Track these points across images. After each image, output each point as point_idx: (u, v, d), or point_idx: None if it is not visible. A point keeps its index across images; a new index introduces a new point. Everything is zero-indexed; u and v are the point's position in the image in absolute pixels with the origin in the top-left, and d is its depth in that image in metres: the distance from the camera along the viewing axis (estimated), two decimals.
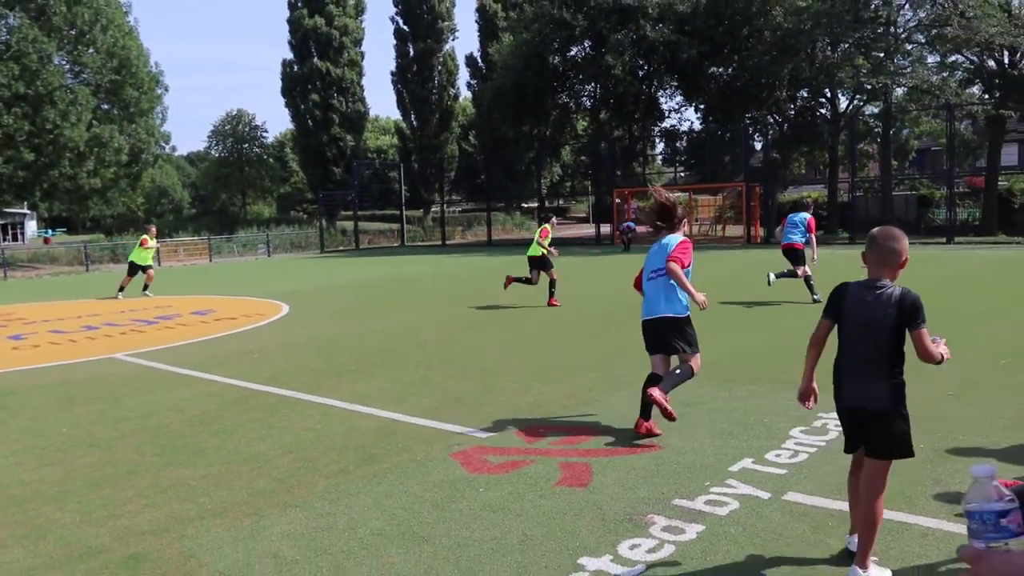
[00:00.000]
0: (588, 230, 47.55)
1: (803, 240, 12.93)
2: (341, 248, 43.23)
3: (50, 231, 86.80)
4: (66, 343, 11.90)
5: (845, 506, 4.44)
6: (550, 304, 13.67)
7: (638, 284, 6.19)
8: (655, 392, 5.59)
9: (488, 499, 4.76)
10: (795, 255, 12.85)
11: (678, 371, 5.85)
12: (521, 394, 7.29)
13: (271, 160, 76.22)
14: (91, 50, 38.19)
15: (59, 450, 6.15)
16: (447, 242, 43.90)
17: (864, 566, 3.56)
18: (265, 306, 15.86)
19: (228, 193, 75.76)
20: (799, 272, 12.76)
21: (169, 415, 7.09)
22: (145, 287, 19.49)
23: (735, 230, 36.23)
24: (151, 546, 4.29)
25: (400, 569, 3.91)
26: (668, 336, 5.90)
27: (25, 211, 78.25)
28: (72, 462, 5.82)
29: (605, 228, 38.76)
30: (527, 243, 40.20)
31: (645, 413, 5.89)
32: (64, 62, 37.84)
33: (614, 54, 37.27)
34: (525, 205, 63.17)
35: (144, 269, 19.75)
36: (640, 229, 31.25)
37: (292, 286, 20.38)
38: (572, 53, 41.60)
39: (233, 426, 6.61)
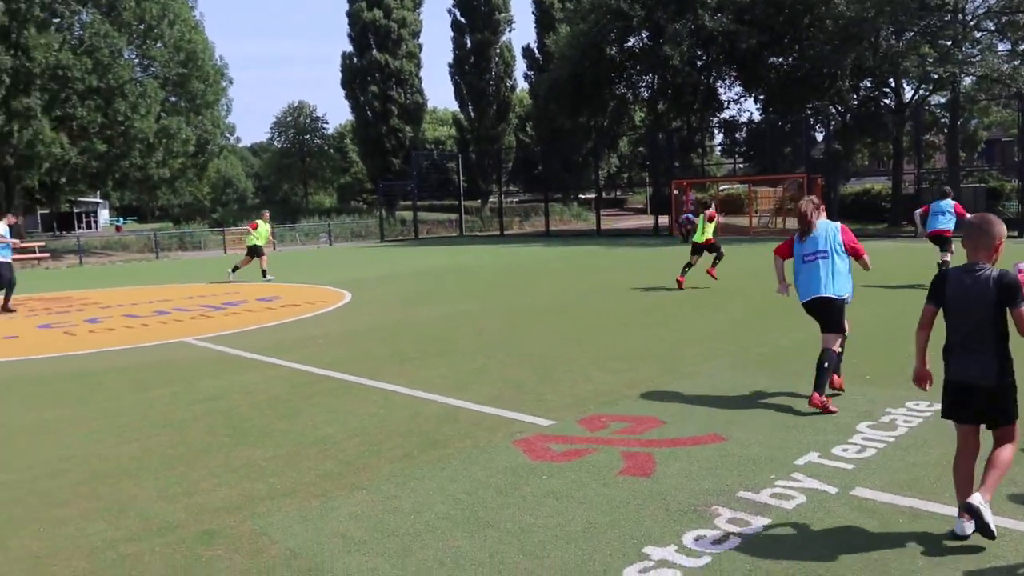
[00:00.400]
0: (645, 221, 47.17)
1: (952, 226, 13.34)
2: (400, 237, 43.66)
3: (121, 220, 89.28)
4: (139, 327, 12.27)
5: (915, 502, 4.34)
6: (709, 273, 14.79)
7: (782, 251, 6.70)
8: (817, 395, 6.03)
9: (551, 486, 4.76)
10: (943, 241, 13.33)
11: (825, 363, 6.19)
12: (581, 383, 7.27)
13: (331, 151, 77.25)
14: (159, 44, 39.11)
15: (136, 429, 6.35)
16: (505, 232, 43.98)
17: (986, 497, 3.79)
18: (328, 293, 16.10)
19: (290, 183, 77.07)
20: (943, 259, 13.25)
21: (238, 398, 7.26)
22: (263, 272, 19.63)
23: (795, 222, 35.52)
24: (224, 523, 4.40)
25: (465, 552, 3.95)
26: (831, 315, 6.28)
27: (98, 200, 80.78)
28: (148, 440, 6.01)
29: (663, 219, 38.40)
30: (585, 233, 40.01)
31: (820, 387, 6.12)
32: (134, 56, 38.86)
33: (672, 44, 36.80)
34: (582, 196, 62.92)
35: (257, 253, 19.84)
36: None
37: (353, 274, 20.65)
38: (629, 43, 41.20)
39: (300, 409, 6.73)
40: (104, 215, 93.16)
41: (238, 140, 56.25)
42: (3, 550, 4.17)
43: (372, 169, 59.38)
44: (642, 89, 43.89)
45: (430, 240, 41.41)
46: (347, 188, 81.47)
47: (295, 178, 75.99)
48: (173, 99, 41.10)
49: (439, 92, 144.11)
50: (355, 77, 57.17)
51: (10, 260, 15.35)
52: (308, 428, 6.16)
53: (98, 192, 62.01)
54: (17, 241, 15.66)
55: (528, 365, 8.17)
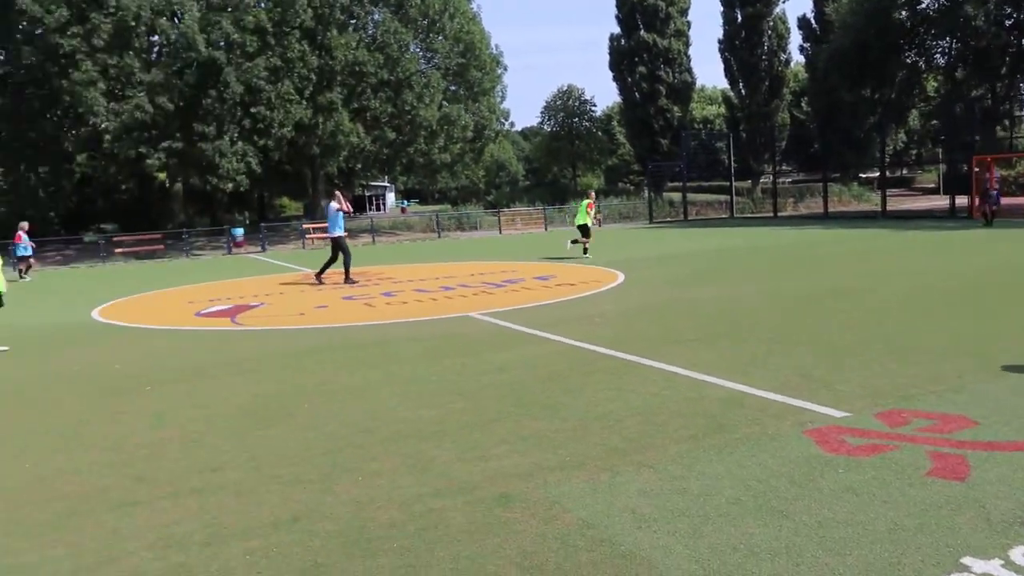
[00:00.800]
0: (938, 202, 42.90)
1: None
2: (668, 219, 43.27)
3: (405, 202, 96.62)
4: (428, 301, 13.22)
5: None
6: None
7: None
8: None
9: (849, 481, 4.49)
10: None
11: None
12: (876, 375, 6.77)
13: (599, 133, 78.10)
14: (440, 37, 41.68)
15: (433, 395, 6.85)
16: (778, 214, 42.10)
17: None
18: (601, 273, 16.35)
19: (559, 165, 79.03)
20: None
21: (523, 371, 7.57)
22: (584, 250, 20.45)
23: None
24: (518, 488, 4.61)
25: (759, 540, 3.83)
26: None
27: (386, 184, 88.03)
28: (444, 407, 6.45)
29: (960, 200, 34.69)
30: (868, 215, 37.18)
31: None
32: (418, 49, 41.77)
33: (975, 3, 33.00)
34: (863, 175, 58.53)
35: (585, 230, 20.61)
36: (1004, 201, 27.52)
37: (624, 254, 20.80)
38: (922, 5, 37.51)
39: (581, 385, 6.89)
40: (391, 198, 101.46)
41: (512, 125, 58.64)
42: (331, 493, 4.69)
43: (639, 150, 59.30)
44: (936, 56, 39.84)
45: (699, 222, 40.62)
46: (614, 170, 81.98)
47: (564, 160, 77.83)
48: (453, 88, 43.69)
49: (708, 70, 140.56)
50: (623, 58, 57.28)
51: (341, 234, 17.05)
52: (591, 403, 6.29)
53: (386, 176, 67.50)
54: (349, 210, 17.24)
55: (814, 352, 7.75)
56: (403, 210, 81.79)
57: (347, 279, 17.03)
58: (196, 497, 4.73)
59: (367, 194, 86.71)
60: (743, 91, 56.02)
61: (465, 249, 28.50)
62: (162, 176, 48.09)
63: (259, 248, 34.93)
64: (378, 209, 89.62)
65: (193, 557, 3.97)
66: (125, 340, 10.97)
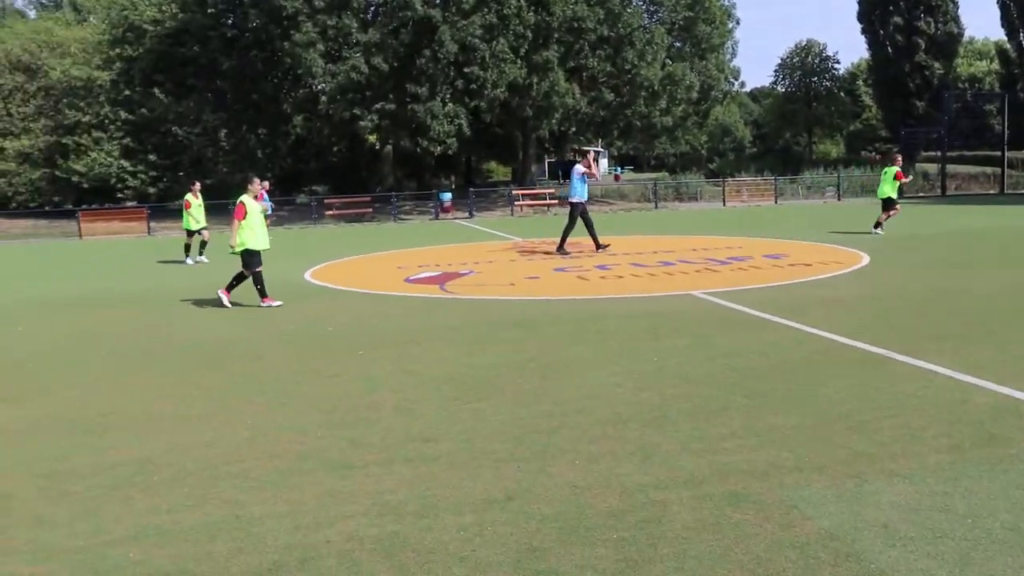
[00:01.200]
0: None
1: None
2: (921, 194, 40.30)
3: (619, 168, 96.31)
4: (646, 276, 13.13)
5: None
6: None
7: None
8: None
9: None
10: None
11: None
12: None
13: (841, 94, 73.87)
14: None
15: (653, 378, 6.78)
16: None
17: None
18: (841, 253, 15.59)
19: (792, 131, 75.66)
20: None
21: (754, 358, 7.33)
22: (877, 224, 19.43)
23: None
24: (751, 488, 4.46)
25: None
26: None
27: (599, 149, 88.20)
28: (666, 391, 6.37)
29: None
30: None
31: None
32: (641, 3, 41.23)
33: None
34: None
35: (890, 204, 19.60)
36: None
37: (867, 233, 19.60)
38: None
39: (821, 378, 6.57)
40: (603, 164, 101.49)
41: (741, 85, 56.55)
42: (546, 474, 4.76)
43: (889, 114, 55.52)
44: None
45: (960, 197, 37.52)
46: (856, 136, 77.28)
47: (798, 125, 74.36)
48: (678, 44, 42.85)
49: (979, 19, 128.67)
50: (875, 7, 53.64)
51: (580, 200, 16.73)
52: (833, 400, 5.98)
53: (600, 141, 67.64)
54: (596, 174, 17.05)
55: None
56: (616, 177, 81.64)
57: (560, 248, 17.11)
58: (409, 467, 4.97)
59: (579, 160, 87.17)
60: (1023, 43, 50.84)
61: (684, 221, 27.99)
62: (373, 138, 50.89)
63: (466, 214, 36.14)
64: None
65: (407, 527, 4.18)
66: (337, 303, 11.74)
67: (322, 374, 7.35)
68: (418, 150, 39.49)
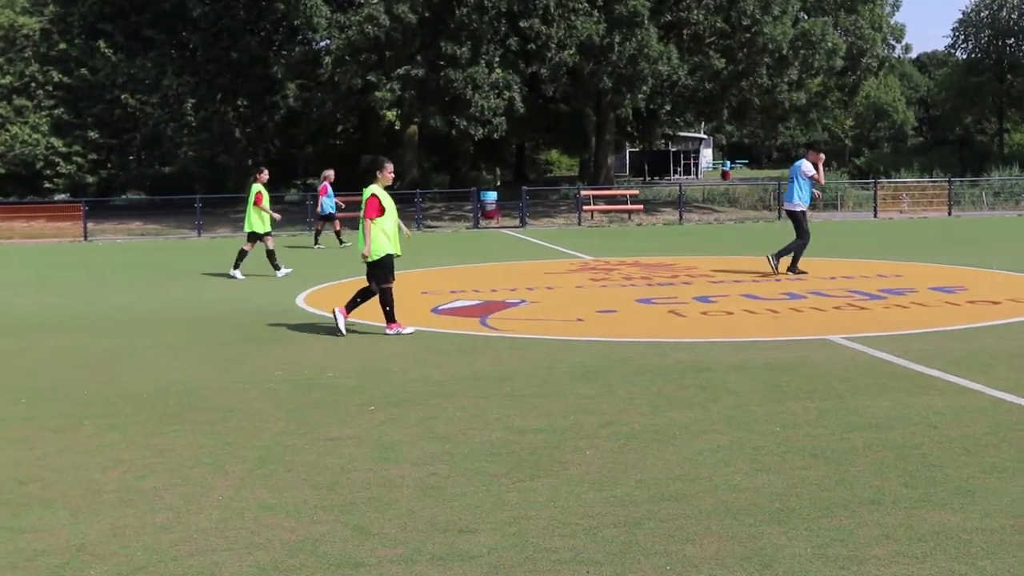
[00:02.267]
0: None
1: None
2: None
3: (728, 163, 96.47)
4: (765, 313, 13.11)
5: None
6: None
7: None
8: None
9: None
10: None
11: None
12: None
13: None
14: None
15: (775, 454, 6.76)
16: None
17: None
18: None
19: (976, 114, 74.94)
20: None
21: (917, 431, 7.27)
22: None
23: None
24: None
25: None
26: None
27: (701, 136, 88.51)
28: (793, 473, 6.35)
29: None
30: None
31: None
32: None
33: None
34: None
35: None
36: None
37: None
38: None
39: (1016, 464, 6.48)
40: (707, 156, 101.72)
41: (906, 50, 55.88)
42: None
43: None
44: None
45: None
46: None
47: (984, 106, 73.68)
48: None
49: None
50: None
51: (802, 207, 17.88)
52: None
53: (704, 124, 67.78)
54: (821, 179, 18.11)
55: None
56: (725, 174, 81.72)
57: (793, 268, 17.71)
58: (437, 567, 5.01)
59: (673, 149, 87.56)
60: None
61: (819, 238, 27.83)
62: (392, 115, 51.54)
63: (517, 221, 36.38)
64: (687, 172, 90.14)
65: None
66: (342, 340, 11.89)
67: (320, 436, 7.45)
68: (453, 133, 39.91)
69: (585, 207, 37.19)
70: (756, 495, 5.96)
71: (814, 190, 18.42)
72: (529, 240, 28.60)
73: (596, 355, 10.51)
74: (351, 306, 12.22)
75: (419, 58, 36.81)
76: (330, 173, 27.76)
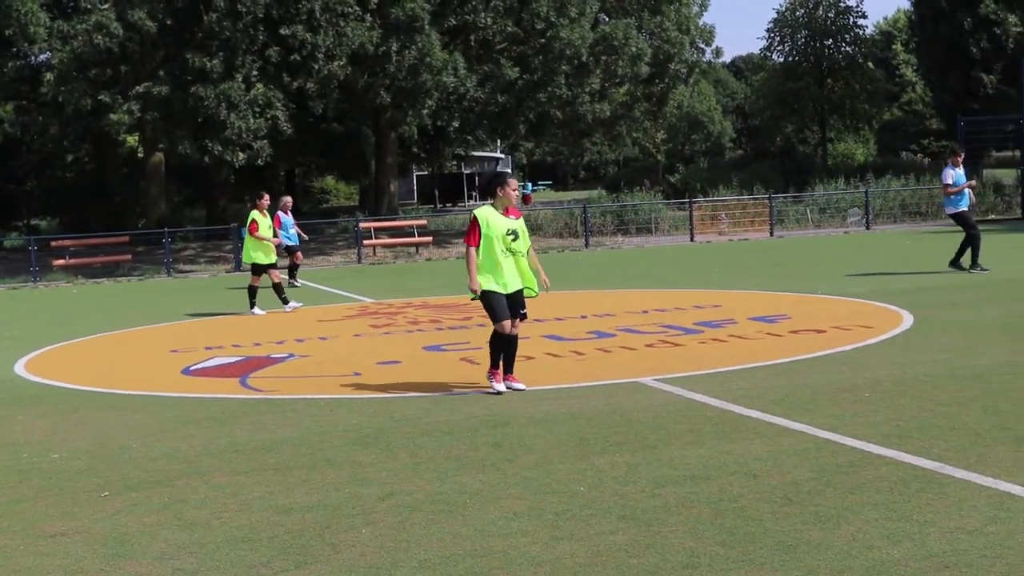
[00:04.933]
0: None
1: None
2: (993, 217, 42.03)
3: (529, 186, 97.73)
4: (569, 355, 13.29)
5: None
6: None
7: None
8: None
9: None
10: None
11: None
12: None
13: (870, 65, 76.84)
14: None
15: (578, 518, 6.83)
16: None
17: None
18: (870, 312, 16.11)
19: (796, 123, 78.01)
20: None
21: (735, 481, 7.47)
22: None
23: None
24: None
25: None
26: None
27: (498, 155, 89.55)
28: (598, 539, 6.42)
29: None
30: None
31: None
32: None
33: None
34: None
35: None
36: None
37: (912, 280, 20.37)
38: None
39: (840, 511, 6.73)
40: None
41: (717, 54, 57.84)
42: None
43: (942, 95, 58.13)
44: None
45: None
46: (894, 129, 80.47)
47: (805, 114, 76.89)
48: None
49: None
50: None
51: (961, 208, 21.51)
52: (857, 545, 6.13)
53: (500, 142, 68.64)
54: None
55: None
56: (526, 198, 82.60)
57: (974, 264, 21.05)
58: None
59: (466, 172, 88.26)
60: None
61: (631, 266, 28.50)
62: (132, 140, 50.38)
63: (286, 261, 35.99)
64: (484, 197, 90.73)
65: None
66: (69, 413, 11.46)
67: (40, 533, 7.16)
68: (207, 160, 39.22)
69: (366, 241, 37.11)
70: (556, 568, 5.99)
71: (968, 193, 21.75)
72: (302, 282, 28.31)
73: (376, 415, 10.44)
74: (504, 362, 11.34)
75: (162, 73, 36.02)
76: (288, 200, 27.11)
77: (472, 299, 11.48)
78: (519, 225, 11.27)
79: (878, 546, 6.10)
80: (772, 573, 5.77)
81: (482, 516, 7.00)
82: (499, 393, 11.00)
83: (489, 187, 11.63)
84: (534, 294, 11.48)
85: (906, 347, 12.92)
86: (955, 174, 21.43)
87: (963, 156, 22.31)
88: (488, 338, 11.37)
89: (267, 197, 21.33)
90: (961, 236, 21.53)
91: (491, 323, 11.15)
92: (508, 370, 11.28)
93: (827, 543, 6.20)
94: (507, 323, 10.94)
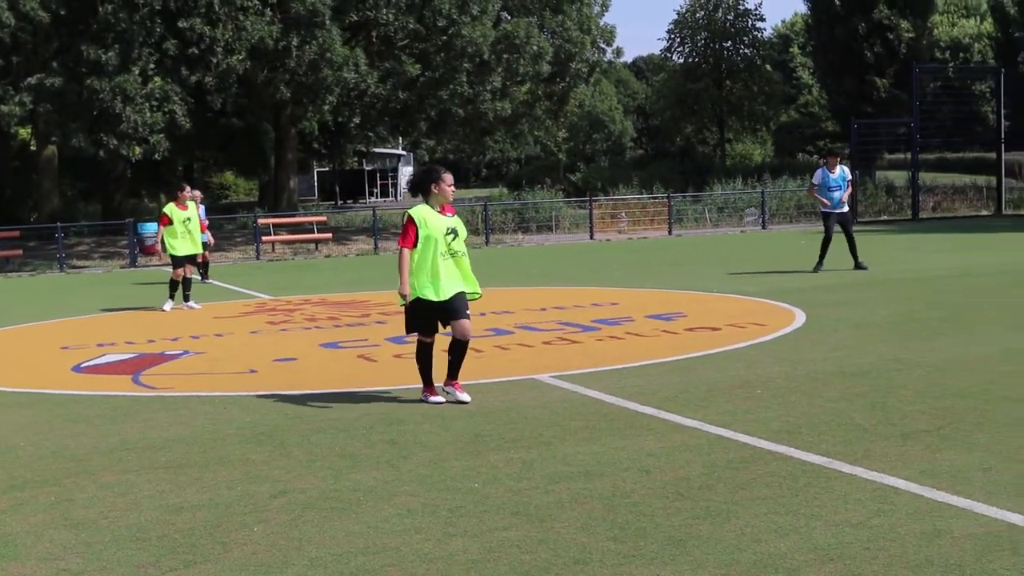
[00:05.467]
0: None
1: None
2: (885, 217, 42.86)
3: None
4: (468, 353, 13.26)
5: None
6: None
7: None
8: None
9: None
10: None
11: None
12: None
13: (768, 67, 77.88)
14: None
15: (472, 515, 6.84)
16: None
17: None
18: (764, 310, 16.36)
19: (695, 124, 78.81)
20: None
21: (629, 477, 7.54)
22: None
23: None
24: None
25: None
26: None
27: (399, 152, 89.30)
28: (491, 535, 6.43)
29: None
30: None
31: None
32: None
33: None
34: None
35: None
36: None
37: (805, 279, 20.69)
38: None
39: (730, 506, 6.81)
40: (407, 175, 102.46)
41: (618, 55, 58.29)
42: None
43: (837, 97, 59.06)
44: None
45: (941, 222, 40.13)
46: (791, 131, 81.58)
47: (704, 114, 77.72)
48: None
49: None
50: None
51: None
52: (746, 539, 6.21)
53: (402, 139, 68.41)
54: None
55: None
56: None
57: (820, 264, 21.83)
58: None
59: (368, 168, 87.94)
60: None
61: (531, 264, 28.56)
62: (24, 133, 49.43)
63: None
64: (386, 193, 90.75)
65: None
66: None
67: None
68: (101, 154, 38.66)
69: (264, 238, 36.81)
70: (449, 564, 6.00)
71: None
72: (197, 279, 27.97)
73: (270, 412, 10.35)
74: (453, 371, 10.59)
75: (55, 65, 35.43)
76: (196, 195, 24.91)
77: (401, 305, 10.65)
78: (457, 223, 10.59)
79: (765, 539, 6.19)
80: (662, 567, 5.83)
81: (375, 513, 6.99)
82: (440, 403, 10.34)
83: (421, 184, 10.62)
84: (477, 295, 10.83)
85: (797, 345, 13.14)
86: (820, 174, 22.13)
87: (840, 158, 22.78)
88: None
89: (188, 189, 20.97)
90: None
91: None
92: (453, 376, 10.49)
93: (716, 537, 6.28)
94: (425, 338, 10.51)
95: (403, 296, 10.37)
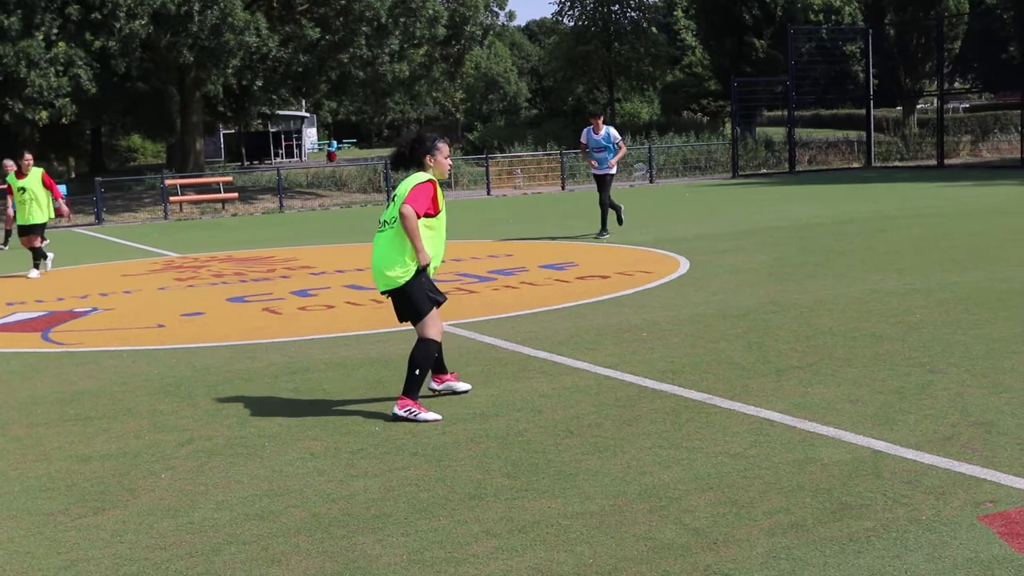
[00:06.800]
0: None
1: None
2: (764, 171, 43.37)
3: (335, 144, 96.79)
4: (368, 304, 13.24)
5: None
6: None
7: None
8: None
9: None
10: None
11: None
12: None
13: (654, 30, 78.18)
14: None
15: (373, 456, 6.86)
16: (946, 161, 42.14)
17: None
18: (651, 258, 16.53)
19: (586, 84, 79.00)
20: None
21: (522, 417, 7.60)
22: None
23: None
24: None
25: None
26: None
27: (303, 114, 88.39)
28: (391, 475, 6.46)
29: None
30: None
31: None
32: None
33: None
34: None
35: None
36: None
37: (689, 228, 20.92)
38: None
39: (617, 441, 6.91)
40: (311, 136, 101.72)
41: (510, 18, 58.36)
42: None
43: (719, 58, 59.49)
44: None
45: (815, 174, 40.71)
46: (676, 90, 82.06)
47: (594, 75, 77.87)
48: None
49: None
50: None
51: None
52: (631, 471, 6.30)
53: (304, 101, 67.72)
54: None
55: (1005, 387, 7.80)
56: (331, 156, 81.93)
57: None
58: None
59: (273, 130, 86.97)
60: None
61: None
62: None
63: (92, 218, 34.98)
64: (290, 155, 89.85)
65: None
66: None
67: None
68: (7, 118, 37.78)
69: (172, 198, 36.24)
70: (350, 503, 6.01)
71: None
72: (106, 239, 27.52)
73: (178, 365, 10.26)
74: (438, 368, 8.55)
75: None
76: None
77: (398, 286, 8.00)
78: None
79: (650, 471, 6.29)
80: (553, 500, 5.89)
81: (279, 457, 6.97)
82: (438, 419, 7.73)
83: (412, 155, 8.15)
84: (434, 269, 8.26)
85: (681, 290, 13.31)
86: (585, 134, 20.62)
87: (602, 119, 20.66)
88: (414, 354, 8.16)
89: (27, 156, 19.58)
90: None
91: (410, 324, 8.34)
92: (442, 370, 8.53)
93: (604, 471, 6.37)
94: (439, 328, 8.13)
95: (426, 266, 7.93)
